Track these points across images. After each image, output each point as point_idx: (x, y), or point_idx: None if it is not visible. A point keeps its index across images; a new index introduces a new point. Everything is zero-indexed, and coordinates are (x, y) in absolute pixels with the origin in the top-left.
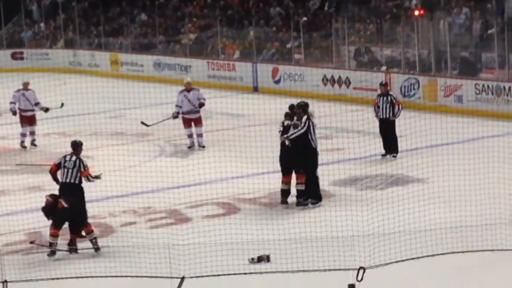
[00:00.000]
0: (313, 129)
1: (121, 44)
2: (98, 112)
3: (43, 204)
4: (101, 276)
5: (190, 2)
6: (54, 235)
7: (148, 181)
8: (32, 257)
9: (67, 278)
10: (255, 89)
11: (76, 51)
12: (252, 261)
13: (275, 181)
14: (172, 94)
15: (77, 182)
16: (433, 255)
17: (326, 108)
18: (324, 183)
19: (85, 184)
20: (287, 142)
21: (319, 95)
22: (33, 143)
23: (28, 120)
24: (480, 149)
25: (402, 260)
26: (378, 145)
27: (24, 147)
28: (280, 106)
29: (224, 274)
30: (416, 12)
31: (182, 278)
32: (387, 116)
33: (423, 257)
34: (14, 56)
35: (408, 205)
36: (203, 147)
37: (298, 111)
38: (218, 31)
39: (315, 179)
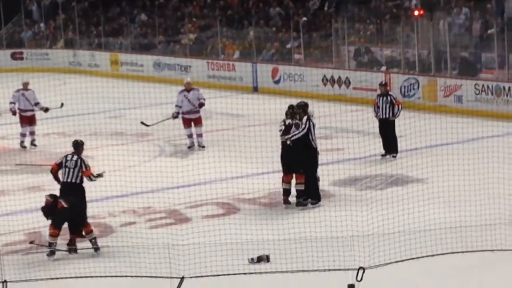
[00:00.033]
0: (313, 129)
1: (121, 44)
2: (98, 112)
3: (43, 204)
4: (101, 276)
5: (190, 2)
6: (54, 235)
7: (148, 181)
8: (31, 257)
9: (66, 278)
10: (255, 89)
11: (76, 51)
12: (251, 261)
13: (275, 181)
14: (172, 94)
15: (78, 181)
16: (432, 255)
17: (326, 108)
18: (323, 183)
19: (85, 184)
20: (288, 142)
21: (319, 95)
22: (32, 143)
23: (28, 120)
24: (480, 149)
25: (402, 260)
26: (377, 145)
27: (24, 147)
28: (280, 106)
29: (223, 274)
30: (416, 12)
31: (182, 278)
32: (387, 116)
33: (422, 257)
34: (14, 56)
35: (407, 205)
36: (203, 147)
37: (298, 111)
38: (218, 31)
39: (315, 179)
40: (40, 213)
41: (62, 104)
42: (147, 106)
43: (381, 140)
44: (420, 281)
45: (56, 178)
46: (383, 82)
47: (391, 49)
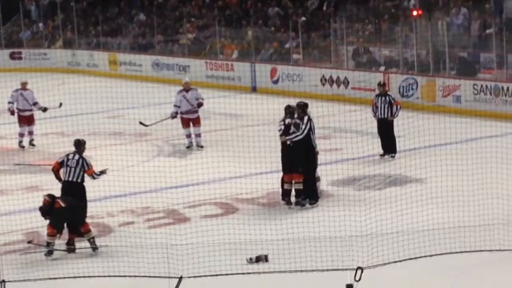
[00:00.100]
0: (314, 129)
1: (120, 44)
2: (97, 112)
3: (41, 204)
4: (99, 276)
5: (189, 2)
6: (52, 235)
7: (147, 181)
8: (30, 257)
9: (65, 277)
10: (254, 89)
11: (75, 51)
12: (250, 261)
13: (273, 181)
14: (171, 94)
15: (79, 180)
16: (431, 256)
17: (324, 108)
18: (322, 183)
19: (85, 183)
20: (288, 142)
21: (318, 95)
22: (31, 143)
23: (26, 120)
24: (478, 150)
25: (400, 260)
26: (376, 145)
27: (22, 147)
28: (278, 106)
29: (222, 274)
30: (415, 12)
31: (180, 278)
32: (386, 116)
33: (421, 257)
34: (12, 56)
35: (406, 205)
36: (202, 147)
37: (298, 111)
38: (217, 31)
39: (314, 179)
40: (38, 213)
41: (60, 104)
42: (146, 106)
43: (379, 140)
44: (418, 281)
45: (57, 177)
46: (382, 82)
47: (390, 49)
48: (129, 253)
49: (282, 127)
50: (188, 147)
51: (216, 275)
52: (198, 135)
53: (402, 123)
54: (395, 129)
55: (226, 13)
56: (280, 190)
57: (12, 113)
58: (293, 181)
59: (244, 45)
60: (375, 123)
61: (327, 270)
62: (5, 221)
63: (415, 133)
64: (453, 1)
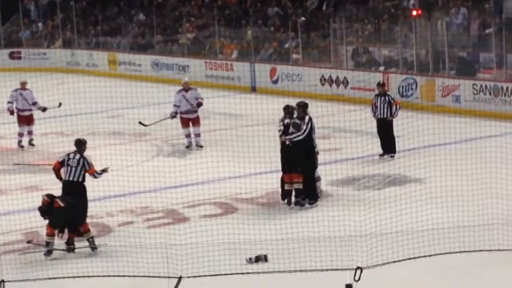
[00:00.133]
0: (314, 129)
1: (119, 44)
2: (96, 111)
3: (40, 204)
4: (99, 276)
5: (188, 1)
6: (51, 235)
7: (146, 181)
8: (29, 257)
9: (64, 277)
10: (253, 89)
11: (74, 51)
12: (249, 261)
13: (273, 181)
14: (170, 94)
15: (80, 180)
16: (430, 255)
17: (323, 108)
18: (321, 183)
19: (85, 183)
20: (287, 142)
21: (317, 95)
22: (30, 143)
23: (25, 120)
24: (478, 149)
25: (399, 260)
26: (375, 145)
27: (22, 146)
28: (278, 106)
29: (221, 274)
30: (414, 12)
31: (180, 278)
32: (385, 116)
33: (420, 257)
34: (12, 56)
35: (405, 205)
36: (201, 147)
37: (298, 111)
38: (216, 31)
39: (313, 179)
40: (38, 213)
41: (60, 104)
42: (145, 105)
43: (379, 140)
44: (418, 281)
45: (58, 176)
46: (381, 82)
47: (389, 49)
48: (128, 253)
49: (282, 127)
50: (187, 147)
51: (216, 275)
52: (197, 135)
53: (402, 123)
54: (395, 129)
55: (226, 13)
56: (280, 190)
57: (12, 113)
58: (293, 181)
59: (243, 45)
60: (374, 123)
61: (327, 270)
62: (4, 221)
63: (414, 133)
64: (452, 1)
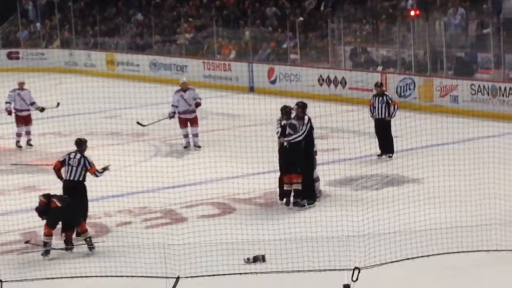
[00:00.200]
0: (313, 130)
1: (117, 44)
2: (94, 112)
3: (37, 205)
4: (96, 276)
5: (186, 2)
6: (48, 235)
7: (144, 181)
8: (27, 257)
9: (62, 278)
10: (251, 89)
11: (72, 51)
12: (247, 261)
13: (271, 181)
14: (168, 94)
15: (80, 179)
16: (428, 256)
17: (321, 108)
18: (320, 183)
19: (86, 183)
20: (285, 144)
21: (315, 95)
22: (28, 143)
23: (23, 120)
24: (476, 150)
25: (397, 261)
26: (373, 145)
27: (20, 146)
28: (275, 107)
29: (219, 274)
30: (412, 13)
31: (177, 278)
32: (383, 116)
33: (418, 257)
34: (10, 56)
35: (403, 205)
36: (199, 147)
37: (297, 111)
38: (214, 31)
39: (312, 180)
40: (36, 213)
41: (58, 104)
42: (143, 106)
43: (377, 140)
44: (415, 281)
45: (58, 176)
46: (379, 83)
47: (387, 49)
48: (126, 253)
49: (279, 129)
50: (185, 147)
51: (213, 275)
52: (195, 135)
53: (400, 123)
54: (393, 129)
55: (224, 13)
56: (278, 190)
57: (10, 113)
58: (293, 182)
59: (241, 45)
60: (372, 123)
61: (324, 270)
62: (2, 221)
63: (412, 133)
64: (450, 1)
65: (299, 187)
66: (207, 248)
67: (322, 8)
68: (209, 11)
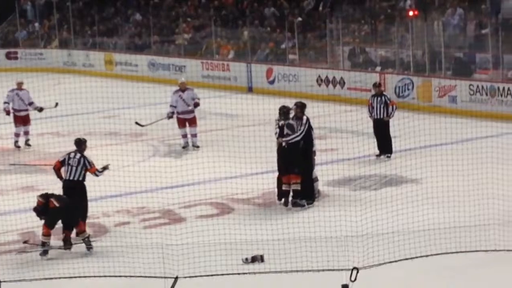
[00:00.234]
0: (312, 130)
1: (116, 44)
2: (92, 112)
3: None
4: (95, 276)
5: (185, 2)
6: (47, 235)
7: (142, 181)
8: (25, 257)
9: (60, 278)
10: (250, 90)
11: (71, 51)
12: (246, 261)
13: (269, 181)
14: (167, 94)
15: (80, 179)
16: (426, 256)
17: (320, 108)
18: (318, 184)
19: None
20: (283, 144)
21: (314, 96)
22: (27, 143)
23: (22, 120)
24: (474, 150)
25: (396, 261)
26: (372, 146)
27: (18, 147)
28: (274, 107)
29: (217, 274)
30: (411, 13)
31: (176, 278)
32: (381, 116)
33: (416, 257)
34: (8, 56)
35: (401, 205)
36: (197, 147)
37: (296, 111)
38: (213, 31)
39: (311, 180)
40: (34, 213)
41: (56, 104)
42: (142, 106)
43: (375, 140)
44: (414, 281)
45: (58, 175)
46: (377, 83)
47: (386, 50)
48: (124, 253)
49: (278, 130)
50: (184, 147)
51: (212, 275)
52: (194, 135)
53: (398, 124)
54: (391, 129)
55: (222, 13)
56: (276, 190)
57: (8, 113)
58: (291, 182)
59: (240, 45)
60: (371, 124)
61: (323, 270)
62: (0, 221)
63: (411, 133)
64: (449, 1)
65: (298, 187)
66: (206, 248)
67: (320, 8)
68: (208, 11)
